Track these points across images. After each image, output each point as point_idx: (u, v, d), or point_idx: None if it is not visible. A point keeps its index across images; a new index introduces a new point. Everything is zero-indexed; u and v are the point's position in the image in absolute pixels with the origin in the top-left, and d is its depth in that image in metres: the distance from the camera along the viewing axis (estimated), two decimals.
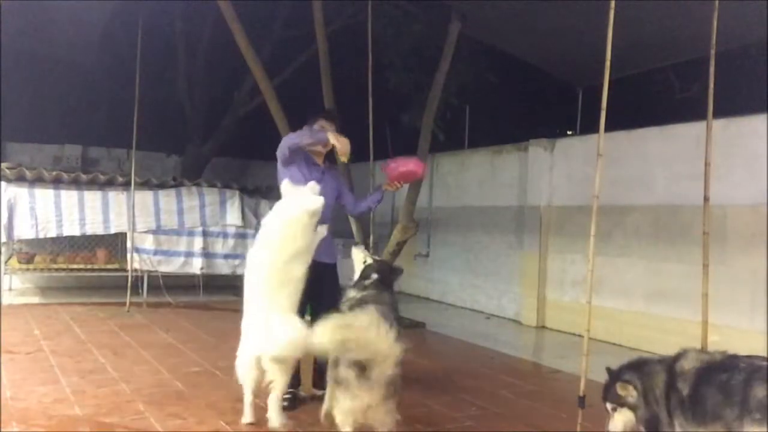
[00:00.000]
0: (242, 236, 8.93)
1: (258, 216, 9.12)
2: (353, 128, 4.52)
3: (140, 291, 8.25)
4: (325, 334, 3.01)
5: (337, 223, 4.49)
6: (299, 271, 3.67)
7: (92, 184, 8.37)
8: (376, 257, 4.16)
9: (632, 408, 2.87)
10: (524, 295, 8.06)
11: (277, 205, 3.82)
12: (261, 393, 3.94)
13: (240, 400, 3.90)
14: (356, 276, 3.91)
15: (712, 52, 3.97)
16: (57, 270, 8.43)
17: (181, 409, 4.05)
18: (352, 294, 3.75)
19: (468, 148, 9.73)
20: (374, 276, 3.78)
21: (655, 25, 6.02)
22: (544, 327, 7.79)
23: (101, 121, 11.15)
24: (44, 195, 7.99)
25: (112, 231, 8.32)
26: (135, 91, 7.37)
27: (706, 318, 3.87)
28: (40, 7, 6.63)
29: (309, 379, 4.37)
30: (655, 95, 10.33)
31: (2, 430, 3.52)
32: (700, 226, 4.04)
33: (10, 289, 8.47)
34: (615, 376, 2.97)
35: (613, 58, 3.57)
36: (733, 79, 7.61)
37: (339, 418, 3.16)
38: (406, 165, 4.20)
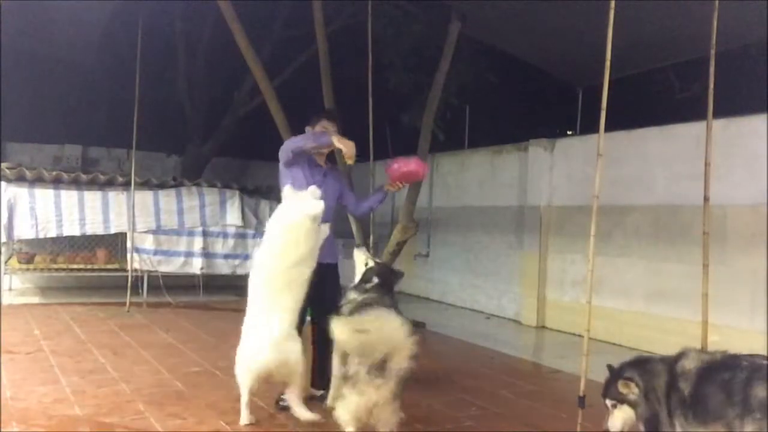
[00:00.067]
0: (242, 236, 8.94)
1: (258, 216, 9.13)
2: (353, 128, 4.52)
3: (140, 291, 8.25)
4: (347, 339, 3.03)
5: (338, 223, 4.49)
6: (304, 276, 3.68)
7: (92, 184, 8.38)
8: (378, 260, 4.16)
9: (633, 405, 2.87)
10: (524, 295, 8.06)
11: (278, 209, 3.82)
12: (261, 393, 3.96)
13: (240, 399, 3.90)
14: (357, 278, 3.92)
15: (712, 52, 3.97)
16: (57, 270, 8.43)
17: (181, 409, 4.05)
18: (353, 296, 3.75)
19: (468, 148, 9.73)
20: (375, 279, 3.79)
21: (655, 25, 6.01)
22: (544, 327, 7.79)
23: (101, 121, 11.14)
24: (44, 195, 7.99)
25: (112, 231, 8.33)
26: (135, 91, 7.37)
27: (706, 318, 3.87)
28: (40, 7, 6.62)
29: (308, 379, 4.37)
30: (655, 95, 10.33)
31: (2, 430, 3.52)
32: (700, 226, 4.04)
33: (10, 289, 8.47)
34: (616, 373, 2.98)
35: (613, 58, 3.57)
36: (733, 79, 7.61)
37: (343, 416, 3.16)
38: (408, 165, 4.20)
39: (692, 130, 5.80)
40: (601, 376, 3.09)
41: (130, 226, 8.03)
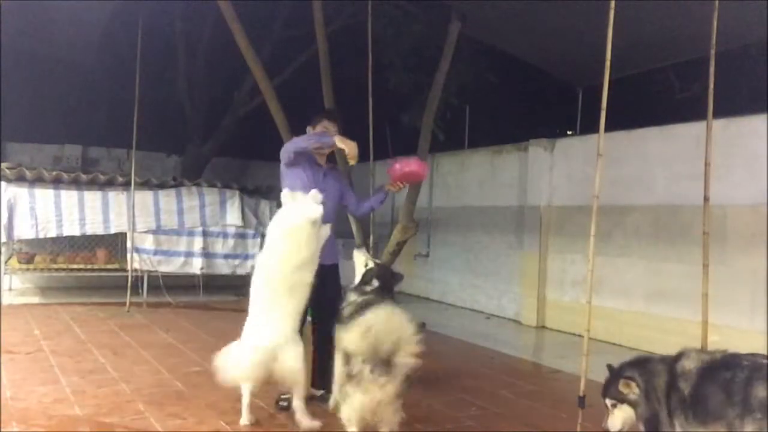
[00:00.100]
0: (242, 236, 8.94)
1: (258, 216, 9.13)
2: (353, 128, 4.51)
3: (140, 291, 8.25)
4: (357, 344, 3.04)
5: (338, 224, 4.49)
6: (306, 280, 3.68)
7: (92, 184, 8.38)
8: (378, 261, 4.16)
9: (633, 405, 2.87)
10: (524, 295, 8.06)
11: (278, 214, 3.81)
12: (261, 393, 3.95)
13: (240, 400, 3.90)
14: (357, 279, 3.91)
15: (712, 52, 3.97)
16: (57, 270, 8.43)
17: (181, 409, 4.05)
18: (353, 298, 3.75)
19: (468, 148, 9.73)
20: (375, 281, 3.79)
21: (655, 25, 6.02)
22: (544, 327, 7.79)
23: (101, 121, 11.14)
24: (44, 195, 8.00)
25: (112, 231, 8.33)
26: (135, 91, 7.37)
27: (706, 318, 3.87)
28: (40, 7, 6.62)
29: (308, 379, 4.37)
30: (655, 95, 10.33)
31: (2, 430, 3.53)
32: (700, 226, 4.04)
33: (10, 289, 8.47)
34: (616, 373, 2.98)
35: (613, 58, 3.57)
36: (733, 79, 7.61)
37: (347, 415, 3.16)
38: (410, 166, 4.20)
39: (692, 130, 5.80)
40: (601, 376, 3.09)
41: (130, 226, 8.03)
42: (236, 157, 11.94)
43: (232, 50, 7.28)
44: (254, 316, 3.71)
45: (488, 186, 8.91)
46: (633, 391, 2.87)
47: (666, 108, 9.51)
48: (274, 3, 9.68)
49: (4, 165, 8.07)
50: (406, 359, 3.04)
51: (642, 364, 2.96)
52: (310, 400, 4.18)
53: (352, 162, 4.03)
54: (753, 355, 2.75)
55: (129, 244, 8.13)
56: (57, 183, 8.24)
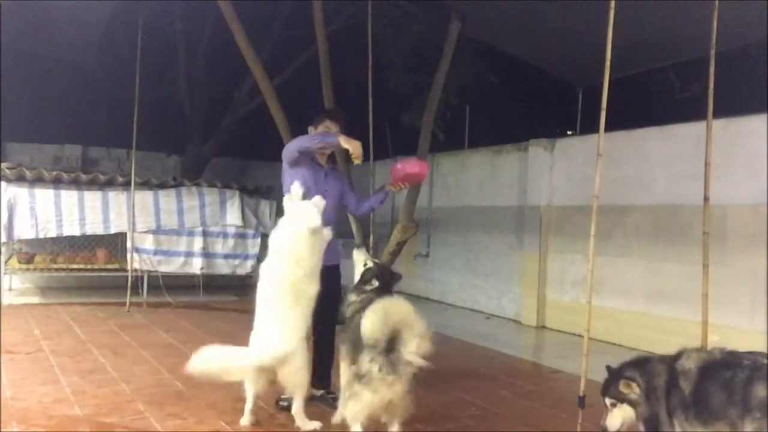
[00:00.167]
0: (242, 236, 8.94)
1: (258, 216, 9.13)
2: (353, 128, 4.51)
3: (140, 291, 8.25)
4: (376, 325, 3.03)
5: (338, 224, 4.49)
6: (311, 290, 3.68)
7: (92, 184, 8.37)
8: (377, 261, 4.17)
9: (633, 405, 2.86)
10: (524, 295, 8.06)
11: (280, 223, 3.80)
12: (263, 394, 3.95)
13: (240, 399, 3.91)
14: (356, 279, 3.92)
15: (712, 52, 3.97)
16: (57, 270, 8.42)
17: (181, 409, 4.05)
18: (353, 298, 3.76)
19: (468, 148, 9.73)
20: (375, 281, 3.79)
21: (655, 25, 6.02)
22: (544, 327, 7.79)
23: (101, 121, 11.14)
24: (44, 195, 7.99)
25: (112, 231, 8.33)
26: (135, 91, 7.37)
27: (706, 318, 3.87)
28: (40, 7, 6.62)
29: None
30: (655, 95, 10.33)
31: (2, 430, 3.53)
32: (700, 226, 4.04)
33: (10, 289, 8.47)
34: (616, 373, 2.97)
35: (613, 58, 3.57)
36: (733, 79, 7.61)
37: (352, 412, 3.16)
38: (412, 167, 4.21)
39: (692, 130, 5.80)
40: (601, 376, 3.09)
41: (130, 226, 8.03)
42: (236, 157, 11.94)
43: (232, 50, 7.28)
44: (261, 325, 3.70)
45: (488, 186, 8.91)
46: (634, 391, 2.86)
47: (666, 108, 9.51)
48: (274, 3, 9.69)
49: (4, 165, 8.07)
50: (415, 358, 3.04)
51: (642, 364, 2.96)
52: (309, 400, 4.19)
53: (357, 161, 4.02)
54: (753, 353, 2.75)
55: (129, 244, 8.13)
56: (57, 183, 8.24)
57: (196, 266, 8.66)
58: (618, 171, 6.61)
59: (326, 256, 4.05)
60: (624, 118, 6.66)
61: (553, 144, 7.87)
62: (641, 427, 2.90)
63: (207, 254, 8.71)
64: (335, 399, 4.09)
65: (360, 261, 3.95)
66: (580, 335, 5.90)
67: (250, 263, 8.96)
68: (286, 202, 3.83)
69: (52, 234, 8.07)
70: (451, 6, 6.87)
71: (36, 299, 8.14)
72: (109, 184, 8.44)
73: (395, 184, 4.25)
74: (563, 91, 9.05)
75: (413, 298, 9.72)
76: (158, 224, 8.42)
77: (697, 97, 7.86)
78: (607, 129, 3.63)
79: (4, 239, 7.80)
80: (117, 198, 8.26)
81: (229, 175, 10.76)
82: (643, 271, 6.66)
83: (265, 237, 8.92)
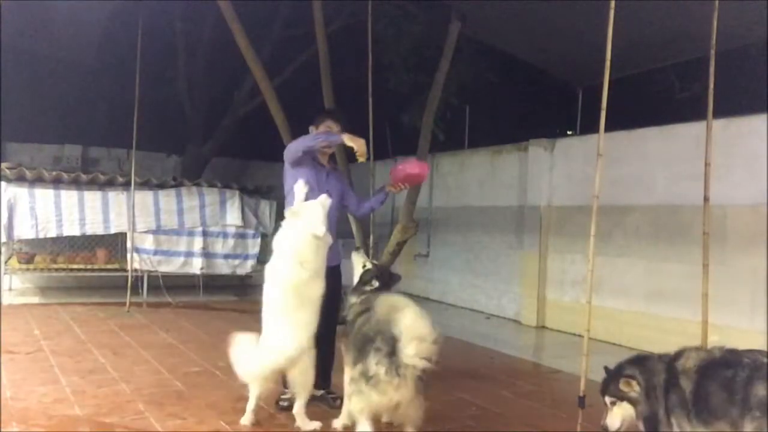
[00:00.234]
0: (242, 236, 8.94)
1: (258, 216, 9.13)
2: (353, 128, 4.51)
3: (140, 291, 8.25)
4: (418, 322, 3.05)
5: (339, 224, 4.50)
6: (317, 292, 3.68)
7: (92, 184, 8.38)
8: (375, 262, 4.17)
9: (633, 403, 2.86)
10: (524, 295, 8.06)
11: (283, 229, 3.80)
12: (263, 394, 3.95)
13: (240, 399, 3.91)
14: (355, 280, 3.91)
15: (712, 52, 3.97)
16: (57, 270, 8.43)
17: (181, 409, 4.05)
18: (354, 300, 3.75)
19: (468, 148, 9.73)
20: (374, 282, 3.79)
21: (655, 25, 6.01)
22: (544, 327, 7.79)
23: (101, 121, 11.15)
24: (44, 195, 8.00)
25: (112, 231, 8.33)
26: (135, 91, 7.37)
27: (706, 318, 3.88)
28: (40, 7, 6.63)
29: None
30: (655, 95, 10.32)
31: (2, 430, 3.53)
32: (700, 226, 4.04)
33: (10, 289, 8.47)
34: (616, 371, 2.98)
35: (613, 58, 3.57)
36: (733, 79, 7.60)
37: (359, 407, 3.16)
38: (413, 168, 4.22)
39: (692, 130, 5.80)
40: (601, 376, 3.09)
41: (130, 226, 8.03)
42: (236, 157, 11.95)
43: (232, 50, 7.28)
44: (271, 327, 3.69)
45: (488, 186, 8.91)
46: (634, 389, 2.87)
47: (666, 108, 9.51)
48: (274, 3, 9.69)
49: (4, 165, 8.07)
50: (414, 360, 3.04)
51: (642, 362, 2.96)
52: (310, 400, 4.19)
53: (361, 159, 4.02)
54: (753, 351, 2.75)
55: (129, 244, 8.13)
56: (57, 183, 8.24)
57: (196, 266, 8.66)
58: (618, 171, 6.61)
59: (328, 258, 4.05)
60: (624, 118, 6.65)
61: (553, 144, 7.87)
62: (641, 426, 2.90)
63: (207, 254, 8.71)
64: (335, 399, 4.10)
65: (359, 263, 3.95)
66: (580, 335, 5.90)
67: (250, 263, 8.97)
68: (288, 212, 3.82)
69: (52, 234, 8.07)
70: (451, 6, 6.87)
71: (36, 299, 8.14)
72: (109, 184, 8.44)
73: (395, 184, 4.25)
74: (563, 91, 9.05)
75: (413, 298, 9.73)
76: (158, 224, 8.43)
77: (697, 97, 7.85)
78: (607, 129, 3.63)
79: (4, 239, 7.80)
80: (117, 198, 8.26)
81: (229, 175, 10.77)
82: (643, 271, 6.66)
83: (265, 237, 8.97)
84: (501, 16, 6.66)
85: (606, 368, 3.06)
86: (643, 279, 6.64)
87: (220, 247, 8.82)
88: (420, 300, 9.66)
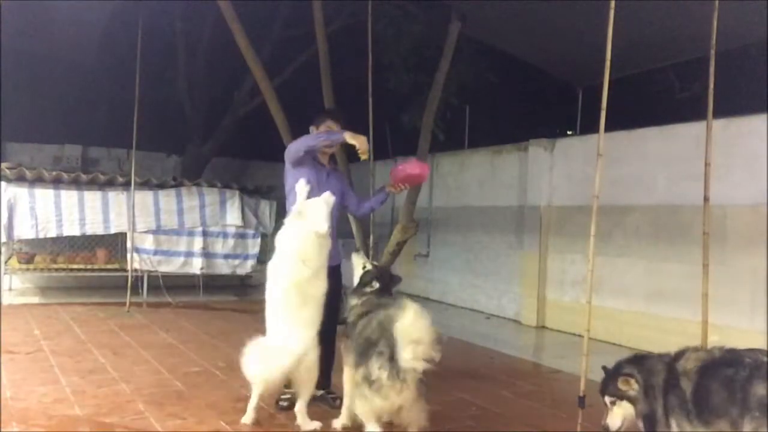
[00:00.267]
0: (242, 236, 8.95)
1: (258, 216, 9.13)
2: (353, 128, 4.51)
3: (140, 291, 8.26)
4: (416, 324, 3.04)
5: (339, 224, 4.50)
6: (320, 289, 3.68)
7: (92, 184, 8.38)
8: (376, 263, 4.17)
9: (632, 401, 2.87)
10: (524, 295, 8.06)
11: (286, 226, 3.80)
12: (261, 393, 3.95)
13: (240, 399, 3.91)
14: (356, 282, 3.91)
15: (712, 52, 3.97)
16: (57, 270, 8.43)
17: (181, 409, 4.05)
18: (354, 301, 3.75)
19: (468, 148, 9.73)
20: (375, 283, 3.79)
21: (655, 25, 6.01)
22: (544, 327, 7.79)
23: (101, 121, 11.14)
24: (44, 195, 8.00)
25: (112, 231, 8.33)
26: (135, 91, 7.36)
27: (706, 318, 3.87)
28: (40, 7, 6.62)
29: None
30: (655, 95, 10.33)
31: (2, 430, 3.53)
32: (700, 226, 4.04)
33: (10, 289, 8.47)
34: (614, 370, 2.98)
35: (613, 58, 3.57)
36: (733, 79, 7.60)
37: (363, 411, 3.17)
38: (413, 168, 4.22)
39: (692, 130, 5.79)
40: (601, 376, 3.09)
41: (130, 226, 8.03)
42: (236, 157, 11.95)
43: (232, 50, 7.28)
44: (273, 328, 3.70)
45: (488, 186, 8.91)
46: (632, 387, 2.87)
47: (666, 108, 9.51)
48: (274, 3, 9.68)
49: (4, 165, 8.07)
50: (413, 363, 3.04)
51: (640, 361, 2.97)
52: (310, 400, 4.19)
53: (364, 156, 4.02)
54: (753, 351, 2.75)
55: (129, 244, 8.13)
56: (57, 183, 8.24)
57: (196, 266, 8.66)
58: (618, 171, 6.61)
59: (329, 258, 4.05)
60: (624, 118, 6.65)
61: (553, 144, 7.87)
62: (640, 425, 2.90)
63: (207, 254, 8.71)
64: (335, 399, 4.10)
65: (359, 264, 3.95)
66: (580, 335, 5.90)
67: (250, 263, 8.97)
68: (293, 213, 3.81)
69: (52, 234, 8.08)
70: (451, 6, 6.87)
71: (36, 299, 8.14)
72: (109, 184, 8.44)
73: (396, 185, 4.26)
74: (563, 91, 9.05)
75: (413, 298, 9.73)
76: (158, 224, 8.43)
77: (697, 97, 7.86)
78: (607, 129, 3.63)
79: (4, 239, 7.80)
80: (117, 198, 8.26)
81: (229, 175, 10.77)
82: (643, 271, 6.66)
83: (264, 237, 8.98)
84: (501, 16, 6.67)
85: (604, 368, 3.07)
86: (643, 279, 6.64)
87: (220, 247, 8.82)
88: (420, 300, 9.66)
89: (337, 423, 3.73)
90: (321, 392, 4.18)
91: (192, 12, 9.68)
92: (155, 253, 8.42)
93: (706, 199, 3.98)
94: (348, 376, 3.56)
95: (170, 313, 7.60)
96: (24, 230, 7.90)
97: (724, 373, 2.69)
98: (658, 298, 6.45)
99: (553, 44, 7.19)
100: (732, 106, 6.00)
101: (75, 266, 8.50)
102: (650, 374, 2.87)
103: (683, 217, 6.18)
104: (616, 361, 3.07)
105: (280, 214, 3.96)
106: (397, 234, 7.07)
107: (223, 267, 8.86)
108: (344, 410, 3.71)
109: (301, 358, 3.60)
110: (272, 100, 7.09)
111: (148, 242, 8.36)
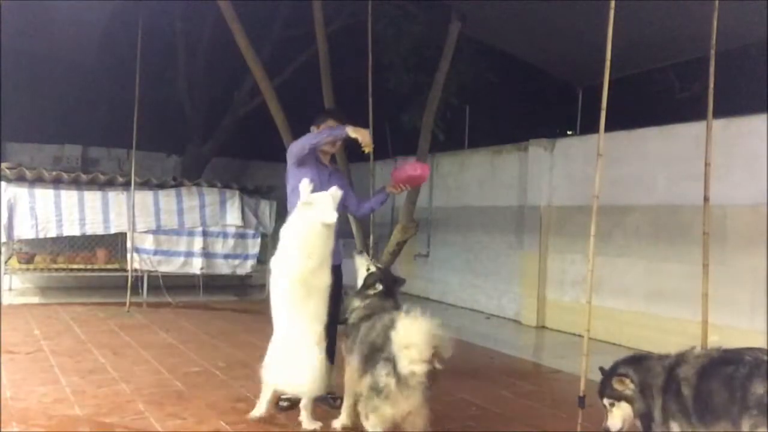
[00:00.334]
0: (242, 236, 8.94)
1: (258, 216, 9.13)
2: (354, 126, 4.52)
3: (140, 291, 8.25)
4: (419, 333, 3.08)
5: (340, 224, 4.50)
6: (324, 282, 3.68)
7: (92, 184, 8.37)
8: (379, 265, 4.16)
9: (630, 401, 2.87)
10: (524, 295, 8.06)
11: (292, 216, 3.80)
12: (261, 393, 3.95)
13: (240, 399, 3.91)
14: (359, 283, 3.90)
15: (712, 52, 3.97)
16: (57, 270, 8.42)
17: (181, 409, 4.05)
18: (357, 303, 3.74)
19: (468, 148, 9.73)
20: (378, 286, 3.79)
21: (655, 25, 6.01)
22: (544, 327, 7.79)
23: (101, 121, 11.14)
24: (44, 195, 7.99)
25: (112, 231, 8.33)
26: (135, 91, 7.36)
27: (706, 318, 3.87)
28: (40, 7, 6.62)
29: None
30: (655, 95, 10.33)
31: (2, 430, 3.53)
32: (700, 226, 4.04)
33: (10, 289, 8.46)
34: (610, 371, 2.98)
35: (613, 58, 3.57)
36: (733, 79, 7.60)
37: (373, 424, 3.16)
38: (413, 169, 4.22)
39: (692, 130, 5.80)
40: (600, 377, 3.09)
41: (130, 226, 8.03)
42: (236, 157, 11.95)
43: (232, 50, 7.27)
44: (281, 323, 3.69)
45: (488, 186, 8.91)
46: (628, 387, 2.87)
47: (666, 108, 9.51)
48: (274, 3, 9.69)
49: (4, 165, 8.06)
50: (412, 367, 3.04)
51: (636, 361, 2.97)
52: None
53: (367, 149, 4.02)
54: (753, 349, 2.75)
55: (129, 244, 8.12)
56: (57, 183, 8.23)
57: (196, 266, 8.66)
58: (618, 171, 6.62)
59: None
60: (624, 118, 6.66)
61: (553, 144, 7.87)
62: (638, 424, 2.90)
63: (207, 254, 8.71)
64: (335, 399, 4.09)
65: (362, 266, 3.94)
66: (580, 335, 5.90)
67: (250, 263, 8.97)
68: (301, 204, 3.81)
69: (52, 234, 8.07)
70: (451, 6, 6.86)
71: (36, 299, 8.14)
72: (109, 184, 8.44)
73: (396, 185, 4.26)
74: (563, 91, 9.05)
75: (413, 298, 9.74)
76: (158, 224, 8.42)
77: (697, 97, 7.86)
78: (607, 129, 3.63)
79: (4, 239, 7.80)
80: (117, 198, 8.26)
81: (229, 175, 10.77)
82: (643, 271, 6.66)
83: (264, 237, 8.98)
84: (501, 16, 6.67)
85: (601, 369, 3.07)
86: (643, 279, 6.64)
87: (220, 247, 8.82)
88: (420, 300, 9.67)
89: (337, 423, 3.73)
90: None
91: (192, 12, 9.68)
92: (155, 253, 8.42)
93: (706, 199, 3.98)
94: (353, 379, 3.54)
95: (170, 313, 7.60)
96: (24, 230, 7.90)
97: (723, 372, 2.69)
98: (658, 298, 6.45)
99: (553, 44, 7.19)
100: (732, 106, 6.00)
101: (75, 266, 8.49)
102: (646, 373, 2.87)
103: (683, 217, 6.18)
104: (613, 362, 3.07)
105: (280, 214, 3.96)
106: (397, 234, 7.07)
107: (223, 267, 8.86)
108: (344, 410, 3.71)
109: (316, 371, 3.58)
110: (272, 100, 7.08)
111: (148, 242, 8.35)
